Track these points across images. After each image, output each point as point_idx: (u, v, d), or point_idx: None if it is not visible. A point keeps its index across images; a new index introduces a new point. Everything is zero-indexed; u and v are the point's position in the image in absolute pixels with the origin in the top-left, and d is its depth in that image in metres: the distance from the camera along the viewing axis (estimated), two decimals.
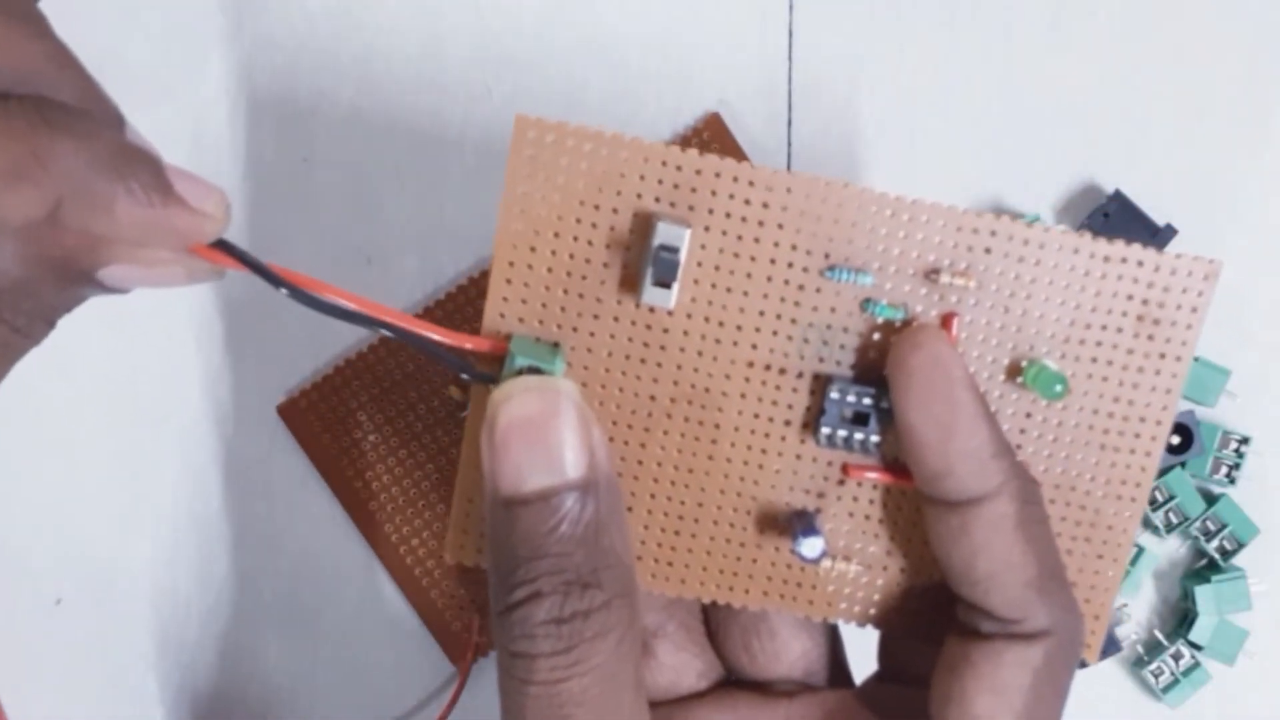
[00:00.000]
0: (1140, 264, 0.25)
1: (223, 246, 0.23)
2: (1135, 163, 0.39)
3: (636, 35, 0.39)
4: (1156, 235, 0.38)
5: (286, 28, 0.39)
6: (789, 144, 0.39)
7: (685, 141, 0.38)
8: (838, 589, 0.27)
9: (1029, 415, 0.26)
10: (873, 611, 0.27)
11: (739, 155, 0.38)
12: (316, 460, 0.38)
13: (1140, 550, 0.38)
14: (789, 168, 0.39)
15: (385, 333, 0.24)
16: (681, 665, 0.29)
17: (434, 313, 0.38)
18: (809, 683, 0.29)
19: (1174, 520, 0.38)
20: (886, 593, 0.27)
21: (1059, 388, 0.25)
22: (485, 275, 0.38)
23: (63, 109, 0.21)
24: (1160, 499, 0.38)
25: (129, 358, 0.39)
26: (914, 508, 0.26)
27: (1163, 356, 0.26)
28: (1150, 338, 0.25)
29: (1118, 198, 0.38)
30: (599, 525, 0.23)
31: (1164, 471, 0.38)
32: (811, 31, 0.39)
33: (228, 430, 0.39)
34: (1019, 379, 0.25)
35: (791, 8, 0.39)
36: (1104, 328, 0.25)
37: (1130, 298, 0.25)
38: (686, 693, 0.29)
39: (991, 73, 0.39)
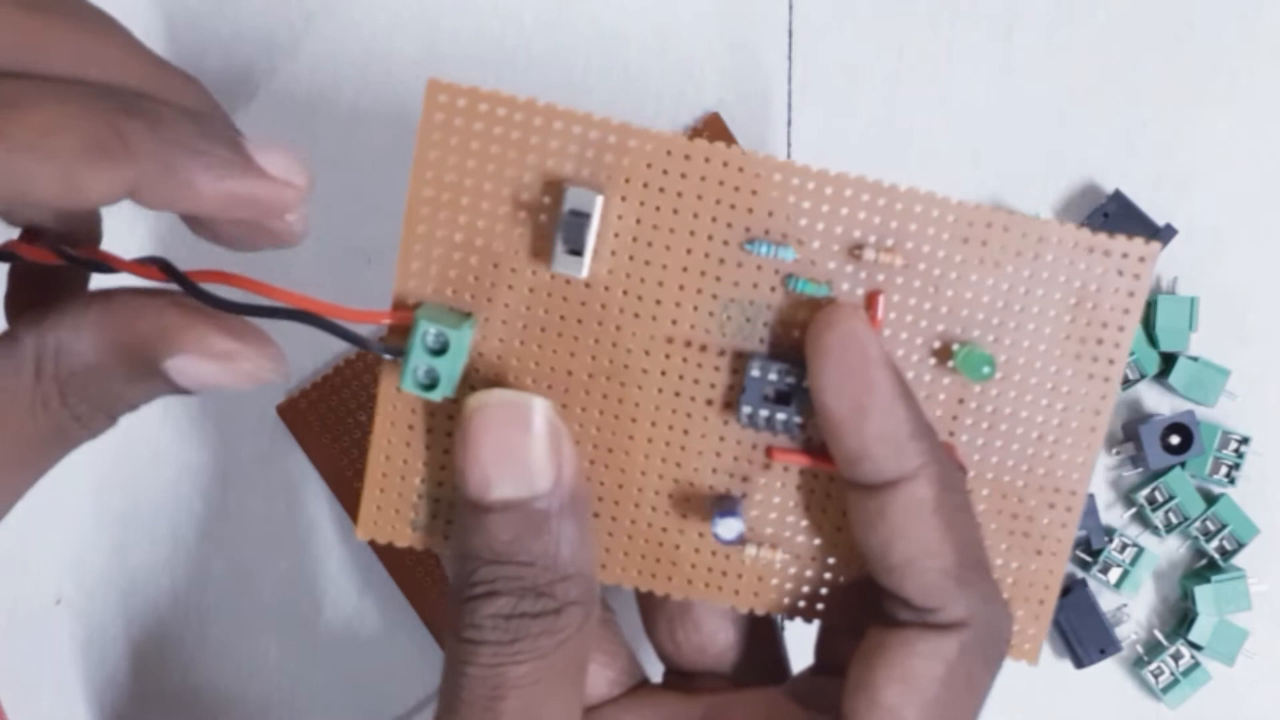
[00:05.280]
0: (1075, 245, 0.24)
1: (161, 265, 0.23)
2: (1135, 163, 0.39)
3: (636, 35, 0.39)
4: (1156, 235, 0.38)
5: (286, 28, 0.39)
6: (789, 144, 0.39)
7: None
8: (764, 579, 0.26)
9: (962, 401, 0.25)
10: (801, 604, 0.26)
11: None
12: (316, 460, 0.38)
13: (1140, 550, 0.38)
14: None
15: (308, 323, 0.24)
16: (589, 675, 0.29)
17: None
18: (738, 677, 0.29)
19: (1174, 520, 0.38)
20: (814, 583, 0.26)
21: (987, 369, 0.24)
22: None
23: (138, 94, 0.22)
24: (1160, 499, 0.38)
25: None
26: (842, 494, 0.25)
27: (1100, 342, 0.25)
28: (1087, 323, 0.25)
29: (1117, 198, 0.38)
30: (561, 540, 0.23)
31: (1164, 471, 0.38)
32: (811, 31, 0.39)
33: (228, 430, 0.39)
34: (950, 363, 0.25)
35: (791, 8, 0.39)
36: (1038, 311, 0.24)
37: (1065, 280, 0.24)
38: (598, 701, 0.29)
39: (991, 73, 0.39)
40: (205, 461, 0.39)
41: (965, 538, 0.24)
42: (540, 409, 0.24)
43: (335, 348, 0.38)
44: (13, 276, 0.26)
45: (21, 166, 0.20)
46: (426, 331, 0.24)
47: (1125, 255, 0.24)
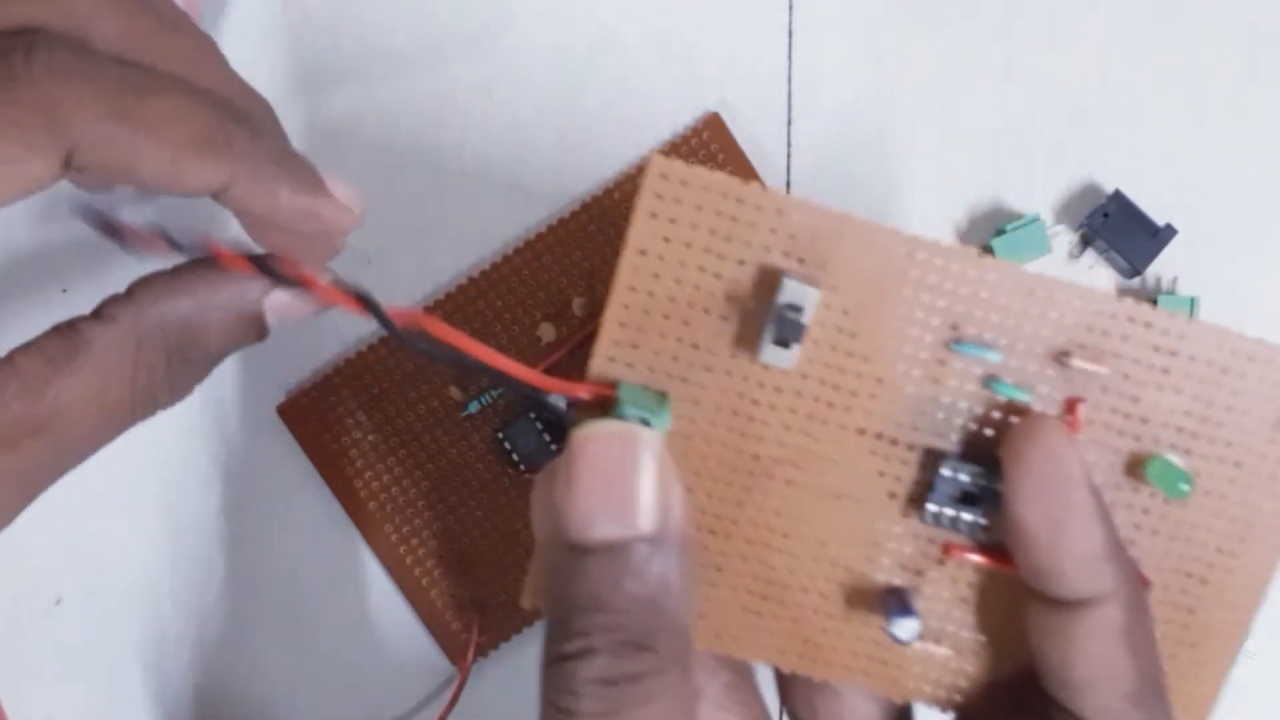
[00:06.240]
0: None
1: (363, 299, 0.25)
2: (1135, 163, 0.39)
3: (636, 36, 0.39)
4: (1156, 235, 0.38)
5: (286, 28, 0.39)
6: (789, 144, 0.39)
7: (684, 141, 0.38)
8: (924, 671, 0.26)
9: (1145, 511, 0.25)
10: (957, 697, 0.26)
11: (738, 155, 0.38)
12: (316, 460, 0.38)
13: None
14: (788, 167, 0.39)
15: (502, 384, 0.25)
16: None
17: (434, 312, 0.38)
18: None
19: None
20: (973, 679, 0.26)
21: (1185, 486, 0.24)
22: (485, 275, 0.38)
23: (247, 113, 0.25)
24: None
25: None
26: (1012, 595, 0.25)
27: None
28: None
29: (1117, 198, 0.38)
30: (664, 586, 0.22)
31: None
32: (811, 31, 0.39)
33: (228, 430, 0.39)
34: (1140, 472, 0.24)
35: (791, 8, 0.39)
36: (1238, 428, 0.24)
37: (1268, 399, 0.24)
38: None
39: (991, 72, 0.39)
40: (205, 461, 0.39)
41: (1148, 661, 0.23)
42: (650, 442, 0.23)
43: (335, 348, 0.38)
44: None
45: (139, 147, 0.22)
46: (630, 414, 0.23)
47: None
